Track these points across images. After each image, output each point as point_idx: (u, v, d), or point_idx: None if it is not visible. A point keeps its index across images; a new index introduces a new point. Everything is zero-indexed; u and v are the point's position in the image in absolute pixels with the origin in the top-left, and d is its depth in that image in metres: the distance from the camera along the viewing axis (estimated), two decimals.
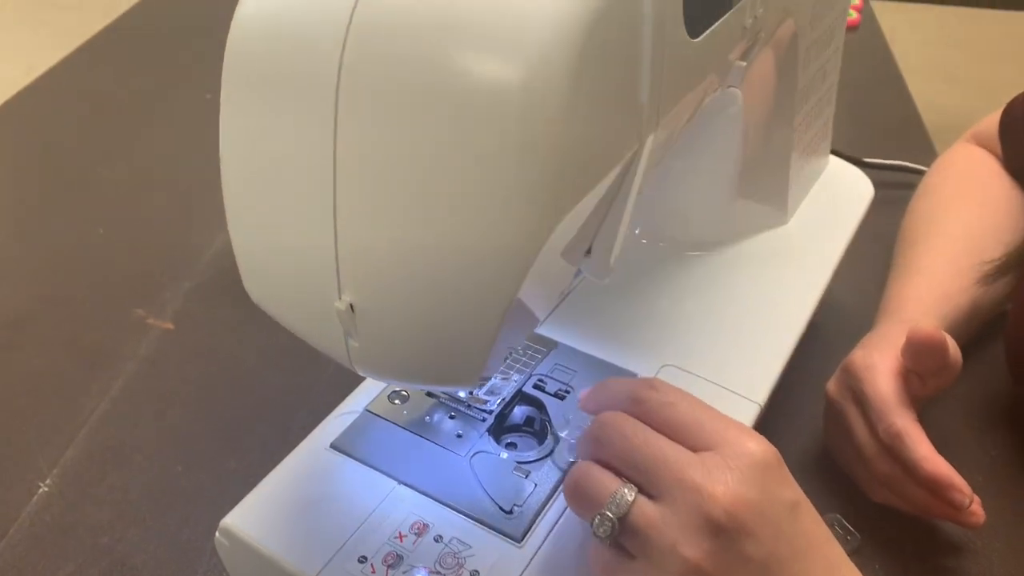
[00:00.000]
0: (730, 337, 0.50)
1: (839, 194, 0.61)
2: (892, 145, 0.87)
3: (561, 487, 0.39)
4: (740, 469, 0.34)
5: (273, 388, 0.61)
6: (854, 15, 1.09)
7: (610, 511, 0.34)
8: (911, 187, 0.75)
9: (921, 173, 0.82)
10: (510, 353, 0.47)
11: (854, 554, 0.50)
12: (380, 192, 0.29)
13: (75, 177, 0.85)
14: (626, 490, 0.34)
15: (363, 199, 0.29)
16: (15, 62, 2.02)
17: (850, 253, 0.61)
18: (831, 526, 0.51)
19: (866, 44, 1.07)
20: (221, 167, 0.33)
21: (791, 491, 0.35)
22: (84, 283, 0.72)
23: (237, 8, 0.31)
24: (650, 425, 0.36)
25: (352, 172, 0.29)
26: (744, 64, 0.41)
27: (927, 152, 0.88)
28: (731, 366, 0.48)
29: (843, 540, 0.51)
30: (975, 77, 1.69)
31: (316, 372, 0.61)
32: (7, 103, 0.97)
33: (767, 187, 0.56)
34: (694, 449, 0.35)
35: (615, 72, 0.30)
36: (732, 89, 0.44)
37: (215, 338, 0.66)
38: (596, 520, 0.34)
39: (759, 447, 0.35)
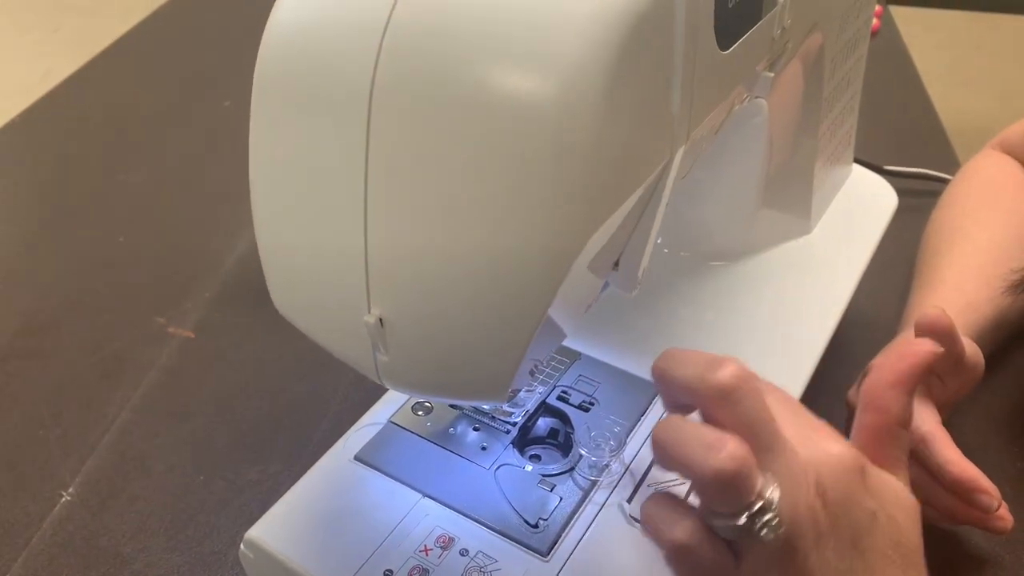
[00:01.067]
0: (754, 348, 0.50)
1: (863, 203, 0.61)
2: (913, 152, 0.86)
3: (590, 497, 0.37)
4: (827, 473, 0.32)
5: (294, 397, 0.61)
6: (874, 21, 1.08)
7: (771, 508, 0.30)
8: (932, 195, 0.74)
9: (943, 180, 0.81)
10: (535, 366, 0.47)
11: None
12: (412, 205, 0.28)
13: (95, 185, 0.86)
14: (772, 487, 0.30)
15: (394, 212, 0.29)
16: (33, 66, 2.04)
17: (872, 261, 0.60)
18: None
19: (886, 50, 1.06)
20: (250, 177, 0.33)
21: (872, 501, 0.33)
22: (105, 291, 0.72)
23: (270, 17, 0.31)
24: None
25: (384, 184, 0.29)
26: (771, 75, 0.41)
27: (948, 159, 0.87)
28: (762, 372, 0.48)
29: None
30: (994, 82, 1.69)
31: (337, 382, 0.61)
32: (28, 110, 0.97)
33: (791, 196, 0.56)
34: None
35: (648, 85, 0.29)
36: (758, 99, 0.44)
37: (236, 347, 0.66)
38: (759, 517, 0.30)
39: (841, 451, 0.33)
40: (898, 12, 1.15)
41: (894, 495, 0.34)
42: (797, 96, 0.50)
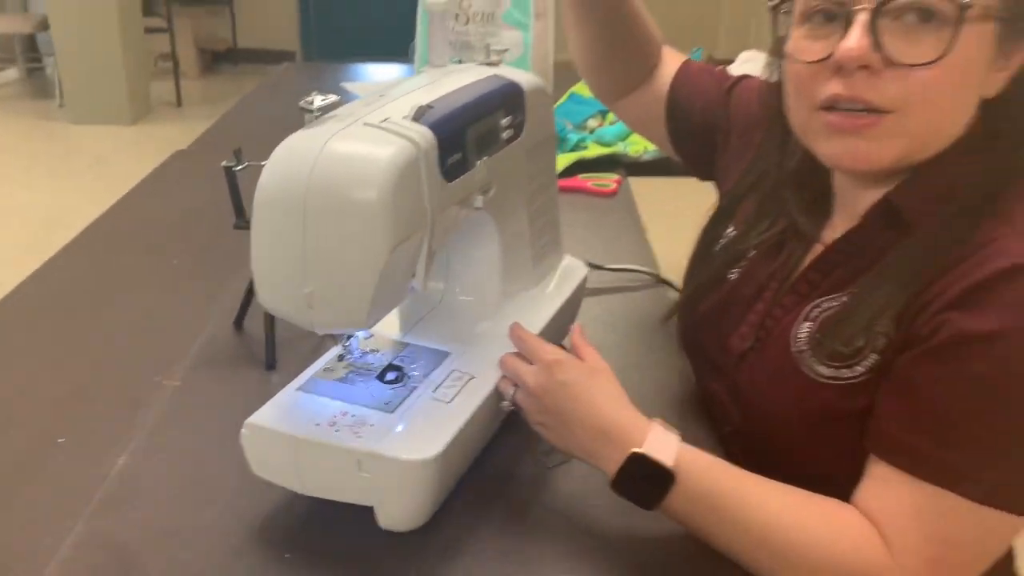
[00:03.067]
0: (504, 345, 0.96)
1: (568, 274, 1.10)
2: (629, 258, 1.38)
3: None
4: (541, 370, 0.84)
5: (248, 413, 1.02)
6: (612, 186, 1.64)
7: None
8: (637, 279, 1.27)
9: (643, 272, 1.33)
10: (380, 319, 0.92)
11: (564, 465, 0.94)
12: (321, 247, 0.74)
13: (100, 313, 1.27)
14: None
15: (316, 251, 0.74)
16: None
17: (591, 310, 1.10)
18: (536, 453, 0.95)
19: (620, 204, 1.62)
20: (251, 252, 0.78)
21: (564, 376, 0.83)
22: (121, 362, 1.13)
23: (261, 176, 0.77)
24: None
25: (313, 244, 0.74)
26: (482, 198, 0.90)
27: (650, 262, 1.39)
28: (499, 349, 0.94)
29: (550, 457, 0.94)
30: (691, 219, 2.44)
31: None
32: (39, 271, 1.38)
33: (523, 270, 1.04)
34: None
35: (411, 195, 0.77)
36: (482, 210, 0.93)
37: (208, 390, 1.07)
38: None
39: (552, 357, 0.85)
40: (633, 180, 1.73)
41: (580, 370, 0.85)
42: (507, 212, 0.99)
